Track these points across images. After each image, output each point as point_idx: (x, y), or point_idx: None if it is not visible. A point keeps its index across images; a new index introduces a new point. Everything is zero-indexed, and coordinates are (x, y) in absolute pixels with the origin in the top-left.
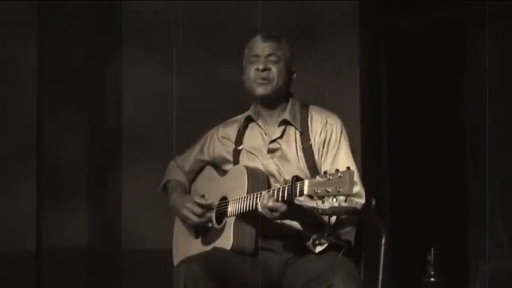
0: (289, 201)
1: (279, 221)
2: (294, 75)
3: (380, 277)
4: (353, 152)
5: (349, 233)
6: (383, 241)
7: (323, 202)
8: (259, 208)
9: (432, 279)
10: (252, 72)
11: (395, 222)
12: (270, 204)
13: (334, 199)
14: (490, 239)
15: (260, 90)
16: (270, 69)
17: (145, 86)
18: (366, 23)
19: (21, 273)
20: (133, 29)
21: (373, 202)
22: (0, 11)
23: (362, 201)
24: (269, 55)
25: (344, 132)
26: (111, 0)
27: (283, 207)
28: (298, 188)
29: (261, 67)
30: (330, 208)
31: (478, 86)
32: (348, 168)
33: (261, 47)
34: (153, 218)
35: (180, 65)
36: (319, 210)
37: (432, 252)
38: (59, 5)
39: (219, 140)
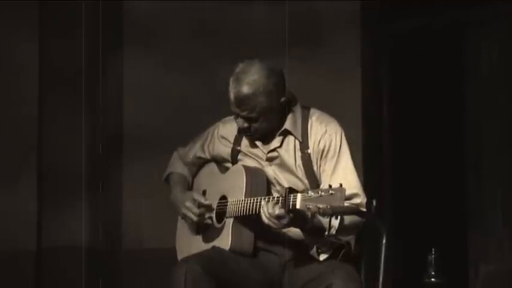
0: (293, 210)
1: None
2: (283, 99)
3: (380, 277)
4: (354, 157)
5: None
6: (383, 242)
7: (314, 217)
8: (264, 219)
9: (433, 279)
10: (236, 123)
11: (396, 223)
12: (277, 212)
13: (325, 216)
14: (490, 239)
15: (247, 139)
16: (248, 128)
17: (146, 86)
18: (368, 25)
19: (22, 273)
20: (134, 29)
21: (374, 203)
22: (2, 10)
23: (363, 210)
24: (247, 118)
25: (344, 140)
26: (112, 0)
27: (288, 215)
28: (291, 200)
29: (239, 126)
30: (331, 208)
31: (480, 88)
32: (341, 185)
33: (236, 109)
34: (152, 218)
35: (180, 64)
36: (320, 210)
37: (433, 252)
38: (60, 5)
39: (219, 140)
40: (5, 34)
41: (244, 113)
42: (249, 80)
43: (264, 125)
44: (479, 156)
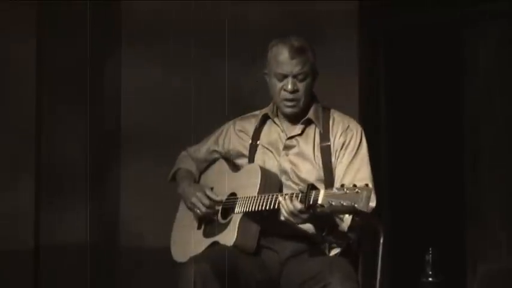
0: (312, 206)
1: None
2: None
3: (378, 277)
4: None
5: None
6: (381, 241)
7: (337, 215)
8: (283, 212)
9: (430, 279)
10: (278, 89)
11: (393, 222)
12: (299, 207)
13: (347, 214)
14: (488, 239)
15: (288, 110)
16: (298, 90)
17: (144, 85)
18: (366, 24)
19: (20, 271)
20: (132, 29)
21: None
22: (0, 10)
23: (373, 205)
24: (297, 74)
25: (364, 138)
26: (110, 0)
27: (308, 211)
28: (312, 196)
29: (289, 88)
30: (329, 206)
31: (478, 86)
32: (367, 185)
33: (289, 65)
34: (151, 216)
35: (179, 64)
36: (318, 208)
37: (430, 252)
38: (58, 5)
39: (236, 134)
40: (3, 34)
41: (298, 68)
42: (296, 37)
43: (307, 91)
44: (478, 155)
